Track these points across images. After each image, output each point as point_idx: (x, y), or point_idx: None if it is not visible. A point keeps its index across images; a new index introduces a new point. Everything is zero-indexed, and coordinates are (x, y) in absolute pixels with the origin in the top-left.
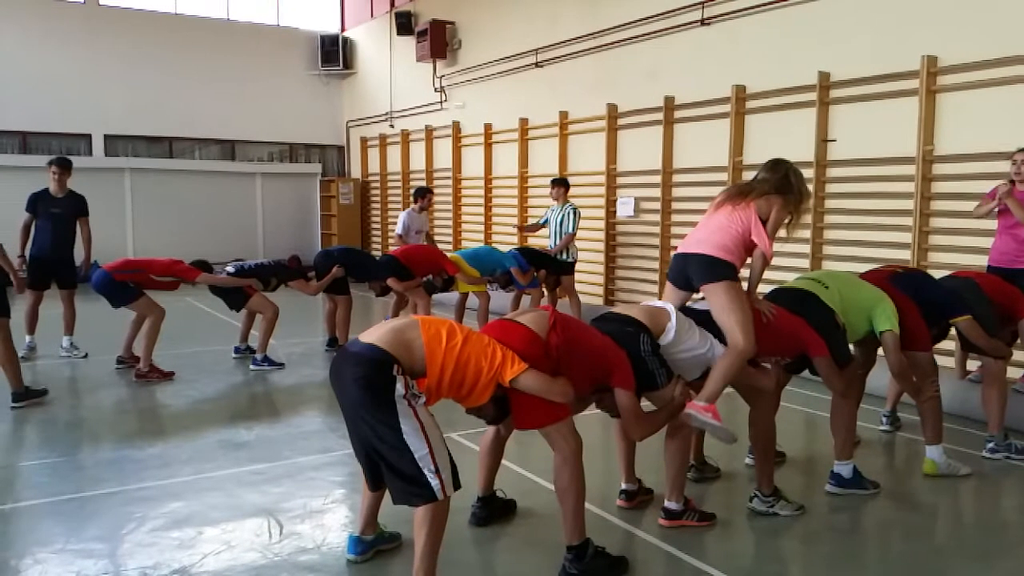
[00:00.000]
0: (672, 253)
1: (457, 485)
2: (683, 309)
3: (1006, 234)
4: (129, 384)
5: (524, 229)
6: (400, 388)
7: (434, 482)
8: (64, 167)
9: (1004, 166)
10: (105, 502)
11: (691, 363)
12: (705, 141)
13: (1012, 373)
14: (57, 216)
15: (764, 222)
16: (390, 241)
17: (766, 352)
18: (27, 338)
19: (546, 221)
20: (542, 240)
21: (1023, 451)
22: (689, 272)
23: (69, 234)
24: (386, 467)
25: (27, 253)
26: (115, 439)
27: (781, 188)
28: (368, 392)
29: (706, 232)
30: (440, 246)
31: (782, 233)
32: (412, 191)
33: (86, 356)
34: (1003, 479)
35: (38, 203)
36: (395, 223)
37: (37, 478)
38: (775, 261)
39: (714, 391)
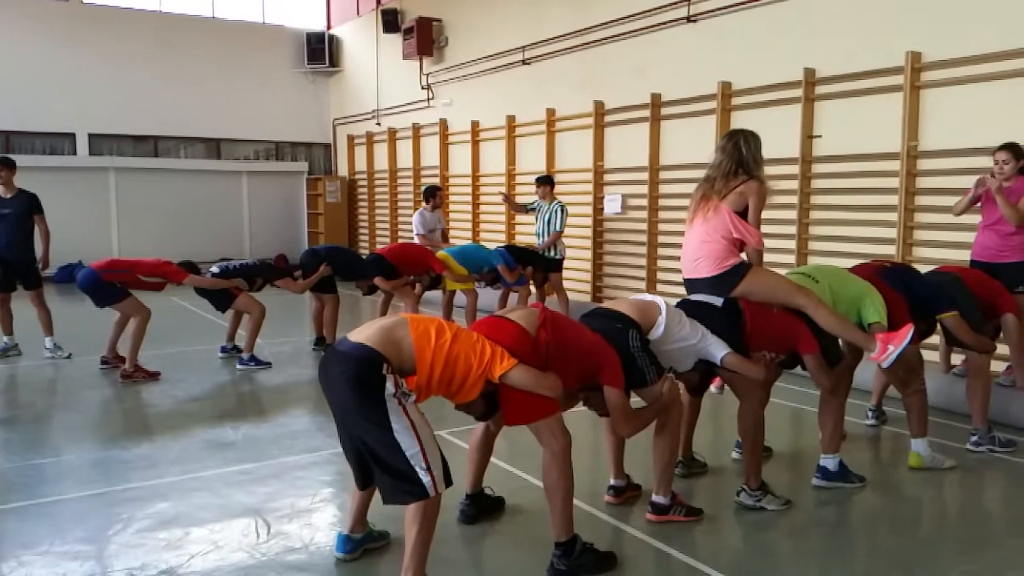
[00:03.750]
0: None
1: (449, 482)
2: (681, 302)
3: (989, 229)
4: (114, 384)
5: (507, 199)
6: (390, 387)
7: (425, 479)
8: (4, 165)
9: (987, 161)
10: (91, 503)
11: (683, 354)
12: (692, 138)
13: (996, 367)
14: (8, 216)
15: (743, 212)
16: (377, 239)
17: (758, 348)
18: (4, 338)
19: (533, 209)
20: (530, 237)
21: (1006, 444)
22: (705, 292)
23: (24, 234)
24: (377, 465)
25: None
26: (101, 440)
27: (744, 165)
28: (358, 391)
29: (695, 253)
30: None
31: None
32: (423, 189)
33: (70, 356)
34: (986, 471)
35: None
36: (383, 221)
37: (22, 480)
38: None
39: (863, 339)
